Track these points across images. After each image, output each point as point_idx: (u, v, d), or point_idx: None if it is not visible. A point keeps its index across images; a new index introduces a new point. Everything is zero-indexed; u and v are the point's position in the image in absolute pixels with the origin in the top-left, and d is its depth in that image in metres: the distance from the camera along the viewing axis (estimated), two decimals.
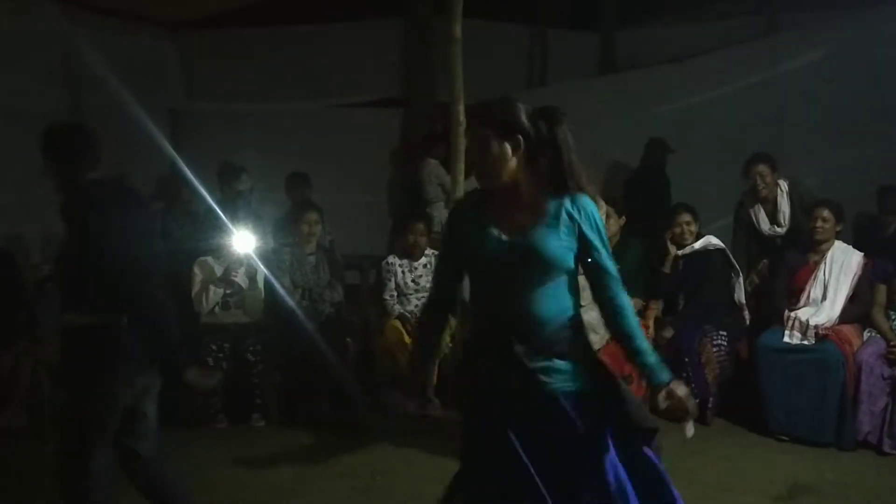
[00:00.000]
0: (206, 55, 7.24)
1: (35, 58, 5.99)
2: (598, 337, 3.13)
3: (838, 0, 6.42)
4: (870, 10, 6.10)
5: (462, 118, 4.43)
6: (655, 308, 4.95)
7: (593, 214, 2.11)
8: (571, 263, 2.11)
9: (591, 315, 2.32)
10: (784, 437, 4.32)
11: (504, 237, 2.08)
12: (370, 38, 7.33)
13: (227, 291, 4.74)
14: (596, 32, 7.83)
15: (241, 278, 4.72)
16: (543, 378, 2.06)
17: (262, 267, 4.76)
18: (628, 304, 2.18)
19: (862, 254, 4.49)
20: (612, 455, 2.06)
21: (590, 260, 2.12)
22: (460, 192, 4.42)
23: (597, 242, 2.11)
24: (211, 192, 4.99)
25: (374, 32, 7.36)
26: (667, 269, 4.96)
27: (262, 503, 3.60)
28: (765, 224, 5.00)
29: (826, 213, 4.51)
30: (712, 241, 4.84)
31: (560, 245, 2.07)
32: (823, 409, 4.22)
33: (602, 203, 5.07)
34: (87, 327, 2.70)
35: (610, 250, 2.15)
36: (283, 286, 4.77)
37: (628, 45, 7.68)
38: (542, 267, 2.07)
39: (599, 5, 7.79)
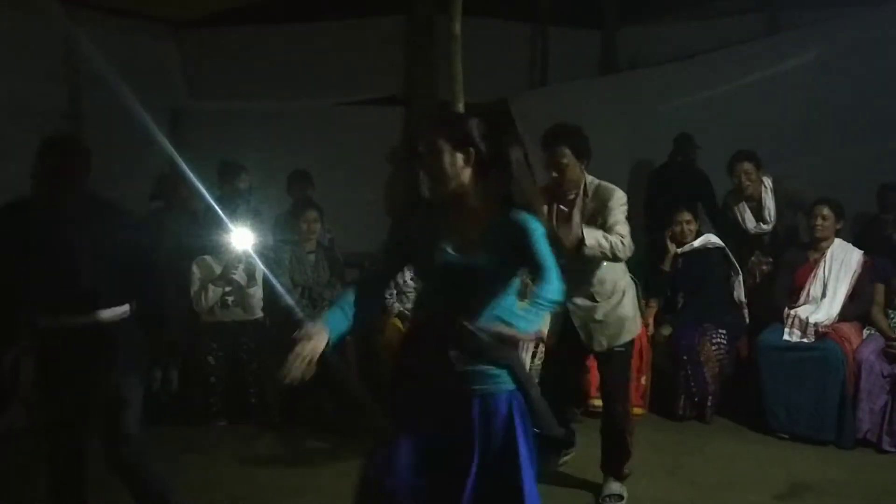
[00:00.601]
0: (208, 53, 7.22)
1: (35, 56, 5.99)
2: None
3: None
4: (871, 10, 6.08)
5: None
6: (655, 306, 4.95)
7: (535, 230, 2.18)
8: (511, 277, 2.23)
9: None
10: (784, 436, 4.33)
11: (450, 250, 2.19)
12: (371, 36, 7.31)
13: (227, 290, 4.75)
14: (597, 31, 7.81)
15: (240, 276, 4.73)
16: (468, 383, 2.19)
17: (261, 265, 4.77)
18: (549, 293, 2.18)
19: (862, 251, 4.49)
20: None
21: (532, 269, 2.22)
22: None
23: (537, 255, 2.18)
24: (210, 191, 4.99)
25: (375, 30, 7.34)
26: (666, 267, 4.96)
27: (263, 502, 3.60)
28: (750, 222, 5.01)
29: (826, 210, 4.51)
30: (712, 239, 4.85)
31: (501, 261, 2.18)
32: (823, 407, 4.23)
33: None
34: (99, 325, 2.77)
35: (552, 256, 2.22)
36: (282, 285, 4.77)
37: (630, 44, 7.66)
38: (483, 280, 2.17)
39: (601, 4, 7.78)
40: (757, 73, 6.43)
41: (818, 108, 6.09)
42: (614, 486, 3.60)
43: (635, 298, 3.63)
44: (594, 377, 4.71)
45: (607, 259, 3.32)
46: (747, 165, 4.91)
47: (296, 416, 4.72)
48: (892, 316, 4.38)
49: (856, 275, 4.44)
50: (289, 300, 4.70)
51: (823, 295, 4.45)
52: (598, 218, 3.34)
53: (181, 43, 7.22)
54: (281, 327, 4.75)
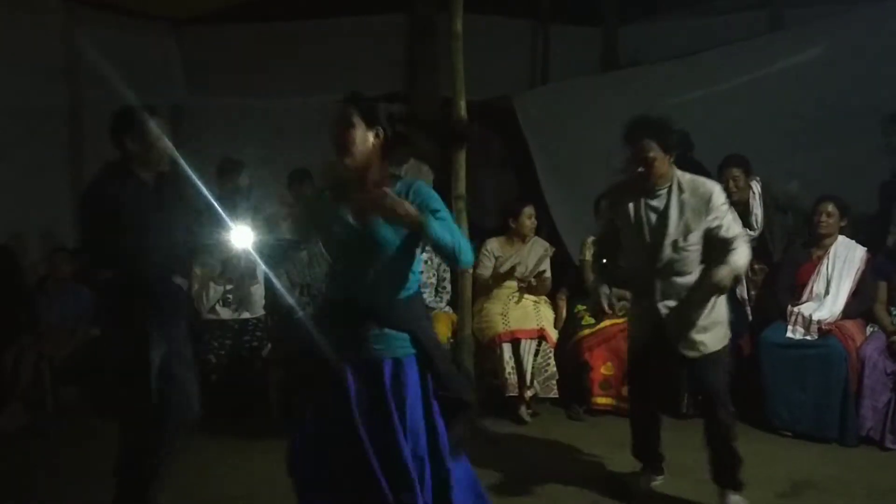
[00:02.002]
0: (209, 51, 7.22)
1: (36, 54, 5.99)
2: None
3: None
4: (873, 6, 6.06)
5: (463, 113, 4.43)
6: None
7: (427, 192, 2.42)
8: (410, 245, 2.40)
9: None
10: (787, 433, 4.32)
11: (351, 221, 2.37)
12: (373, 33, 7.31)
13: (227, 288, 4.74)
14: (599, 28, 7.80)
15: (240, 274, 4.72)
16: (376, 346, 2.39)
17: (261, 263, 4.75)
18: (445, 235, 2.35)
19: (865, 248, 4.48)
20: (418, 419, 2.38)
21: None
22: (461, 188, 4.42)
23: (438, 209, 2.39)
24: (210, 188, 4.96)
25: (376, 28, 7.34)
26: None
27: (264, 499, 3.59)
28: None
29: (830, 207, 4.50)
30: None
31: (397, 229, 2.34)
32: (826, 404, 4.22)
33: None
34: None
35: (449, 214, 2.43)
36: (280, 283, 4.76)
37: (631, 42, 7.65)
38: (381, 247, 2.36)
39: (602, 1, 7.77)
40: (759, 71, 6.40)
41: (820, 106, 6.07)
42: (735, 500, 3.35)
43: (726, 303, 3.43)
44: (597, 375, 4.72)
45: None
46: (735, 171, 4.88)
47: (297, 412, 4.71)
48: (894, 313, 4.37)
49: (859, 272, 4.43)
50: (288, 298, 4.69)
51: (826, 292, 4.44)
52: (700, 217, 3.18)
53: (182, 40, 7.23)
54: (282, 325, 4.75)
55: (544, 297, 5.03)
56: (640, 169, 3.21)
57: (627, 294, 4.85)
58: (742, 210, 4.95)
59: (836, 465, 3.93)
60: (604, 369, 4.73)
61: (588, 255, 5.09)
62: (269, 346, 4.75)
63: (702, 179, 3.30)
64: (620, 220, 3.39)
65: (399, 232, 2.35)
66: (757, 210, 4.90)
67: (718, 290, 3.10)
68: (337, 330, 2.41)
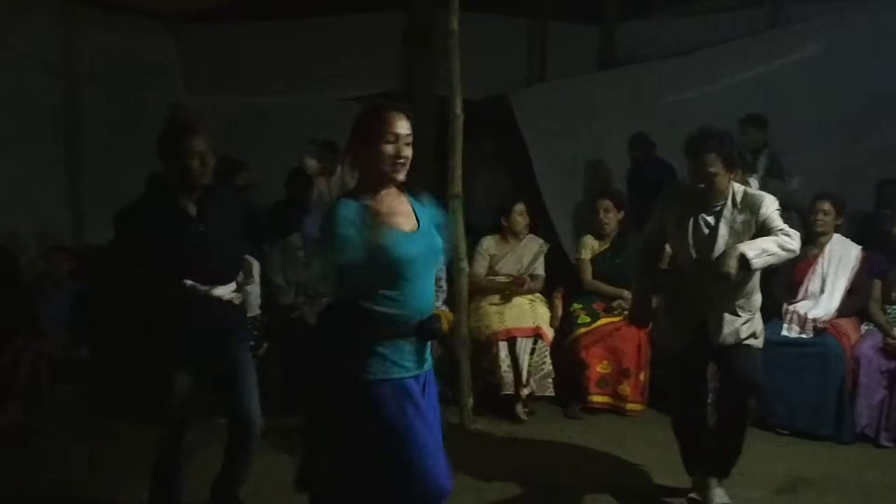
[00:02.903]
0: (205, 49, 7.21)
1: (33, 52, 5.99)
2: None
3: None
4: (872, 3, 6.06)
5: (459, 111, 4.43)
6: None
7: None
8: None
9: None
10: (783, 431, 4.33)
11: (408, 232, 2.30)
12: (370, 31, 7.29)
13: None
14: (596, 26, 7.79)
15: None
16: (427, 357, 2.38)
17: (256, 263, 4.75)
18: None
19: (860, 247, 4.48)
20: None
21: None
22: (457, 186, 4.42)
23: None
24: None
25: (373, 26, 7.33)
26: (665, 264, 4.93)
27: (262, 498, 3.59)
28: None
29: (827, 205, 4.50)
30: None
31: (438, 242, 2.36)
32: (822, 402, 4.23)
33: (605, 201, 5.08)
34: None
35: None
36: (276, 284, 4.77)
37: (629, 39, 7.64)
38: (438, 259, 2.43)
39: None
40: (757, 68, 6.40)
41: (818, 104, 6.07)
42: (719, 493, 3.37)
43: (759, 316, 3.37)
44: (593, 374, 4.73)
45: (779, 260, 3.10)
46: None
47: (295, 411, 4.71)
48: (889, 311, 4.37)
49: (854, 270, 4.43)
50: (285, 299, 4.69)
51: (822, 290, 4.45)
52: (749, 231, 3.12)
53: (179, 38, 7.22)
54: (279, 325, 4.76)
55: (540, 296, 5.03)
56: (700, 185, 3.15)
57: (625, 293, 4.89)
58: None
59: (832, 462, 3.95)
60: (600, 368, 4.73)
61: (584, 254, 5.10)
62: (266, 345, 4.75)
63: (758, 194, 3.22)
64: (671, 227, 3.33)
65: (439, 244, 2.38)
66: None
67: (722, 276, 2.99)
68: (409, 346, 2.31)
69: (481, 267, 5.00)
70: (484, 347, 4.74)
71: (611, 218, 5.05)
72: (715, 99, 6.43)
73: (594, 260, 5.07)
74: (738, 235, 3.13)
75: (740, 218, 3.15)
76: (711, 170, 3.10)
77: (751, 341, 3.25)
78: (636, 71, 7.03)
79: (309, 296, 4.89)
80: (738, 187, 3.22)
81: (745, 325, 3.23)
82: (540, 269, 5.06)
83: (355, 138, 2.31)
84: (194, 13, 6.97)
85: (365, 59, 7.13)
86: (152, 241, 2.97)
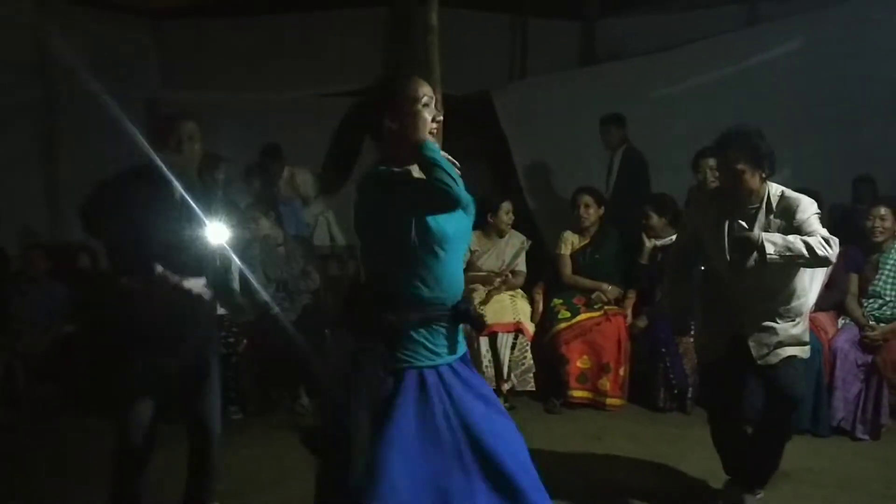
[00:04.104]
0: (184, 45, 7.17)
1: (9, 48, 5.92)
2: None
3: None
4: (849, 2, 6.12)
5: (439, 107, 4.41)
6: (633, 297, 4.97)
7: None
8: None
9: None
10: None
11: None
12: (351, 27, 7.28)
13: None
14: (577, 22, 7.81)
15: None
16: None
17: (236, 259, 4.72)
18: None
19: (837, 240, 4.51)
20: None
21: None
22: None
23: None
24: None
25: (354, 22, 7.31)
26: (644, 260, 4.97)
27: (241, 495, 3.58)
28: None
29: None
30: None
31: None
32: None
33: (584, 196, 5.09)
34: None
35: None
36: (256, 281, 4.74)
37: (610, 35, 7.66)
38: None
39: None
40: (737, 65, 6.45)
41: (797, 100, 6.12)
42: (751, 500, 3.30)
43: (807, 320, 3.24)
44: (574, 369, 4.74)
45: (804, 263, 2.95)
46: (711, 162, 4.90)
47: (274, 409, 4.70)
48: (866, 305, 4.42)
49: (832, 265, 4.46)
50: (264, 295, 4.67)
51: None
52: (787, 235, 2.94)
53: (157, 34, 7.16)
54: (258, 321, 4.73)
55: (521, 291, 5.04)
56: (727, 183, 3.01)
57: (604, 286, 4.91)
58: None
59: (809, 455, 3.97)
60: (580, 363, 4.75)
61: (564, 250, 5.11)
62: (245, 342, 4.73)
63: (795, 196, 3.02)
64: (704, 232, 3.19)
65: None
66: None
67: (742, 241, 2.89)
68: (448, 329, 2.19)
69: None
70: (465, 342, 4.74)
71: (590, 213, 5.07)
72: (694, 95, 6.47)
73: (574, 255, 5.08)
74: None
75: (776, 223, 2.99)
76: (739, 166, 2.95)
77: (794, 350, 3.10)
78: (617, 67, 7.06)
79: (289, 292, 4.87)
80: (774, 189, 3.03)
81: (786, 337, 3.07)
82: (521, 265, 5.07)
83: (389, 108, 2.14)
84: (173, 9, 6.93)
85: (346, 54, 7.10)
86: (129, 216, 2.84)
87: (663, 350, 4.60)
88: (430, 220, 2.08)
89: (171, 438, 3.18)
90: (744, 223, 2.98)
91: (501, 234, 5.09)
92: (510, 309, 4.82)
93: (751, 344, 3.07)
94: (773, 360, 3.08)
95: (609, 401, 4.71)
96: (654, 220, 4.89)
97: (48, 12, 6.18)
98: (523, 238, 5.16)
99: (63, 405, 4.82)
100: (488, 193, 5.38)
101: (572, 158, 6.86)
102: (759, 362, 3.08)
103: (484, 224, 5.08)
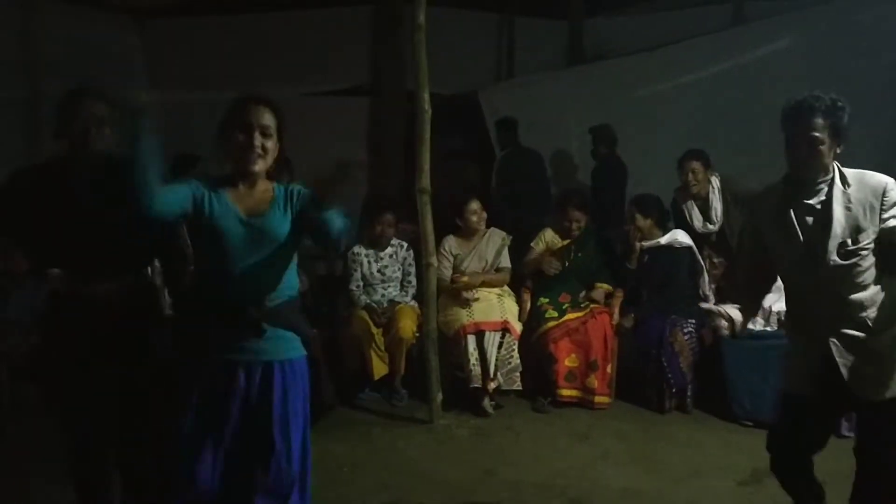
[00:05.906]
0: (171, 44, 7.12)
1: None
2: None
3: None
4: (835, 1, 6.16)
5: (427, 106, 4.41)
6: (621, 295, 4.98)
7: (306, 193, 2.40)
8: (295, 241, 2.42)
9: None
10: (748, 423, 4.37)
11: (243, 215, 2.34)
12: (339, 25, 7.26)
13: None
14: (564, 21, 7.82)
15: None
16: (265, 344, 2.35)
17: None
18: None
19: None
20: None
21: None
22: (425, 181, 4.41)
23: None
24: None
25: (342, 21, 7.30)
26: (632, 262, 4.97)
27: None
28: (697, 221, 5.02)
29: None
30: (679, 237, 4.85)
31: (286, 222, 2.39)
32: None
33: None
34: None
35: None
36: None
37: (596, 35, 7.69)
38: (271, 243, 2.37)
39: None
40: (723, 64, 6.47)
41: (783, 99, 6.14)
42: None
43: None
44: (561, 367, 4.74)
45: None
46: (695, 164, 4.93)
47: None
48: None
49: None
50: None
51: None
52: (873, 213, 2.49)
53: (144, 33, 7.12)
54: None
55: (508, 290, 5.04)
56: (803, 156, 2.53)
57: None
58: (702, 204, 5.02)
59: None
60: (568, 361, 4.75)
61: (538, 246, 5.12)
62: None
63: (872, 174, 2.57)
64: (768, 233, 2.69)
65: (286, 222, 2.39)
66: (716, 204, 4.96)
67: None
68: (231, 330, 2.34)
69: (446, 269, 4.95)
70: (453, 341, 4.74)
71: (580, 225, 5.07)
72: (682, 95, 6.50)
73: (556, 254, 5.08)
74: (857, 216, 2.50)
75: (858, 196, 2.51)
76: (817, 134, 2.50)
77: None
78: (604, 67, 7.08)
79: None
80: (838, 167, 2.59)
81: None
82: (505, 261, 5.06)
83: (219, 128, 2.41)
84: (160, 7, 6.89)
85: (333, 53, 7.09)
86: (27, 214, 2.57)
87: (656, 350, 4.59)
88: (214, 219, 2.35)
89: None
90: (814, 202, 2.55)
91: (478, 235, 5.06)
92: (497, 307, 4.81)
93: (840, 362, 2.54)
94: (873, 396, 2.51)
95: (597, 399, 4.71)
96: (640, 220, 4.90)
97: (35, 10, 6.13)
98: (503, 234, 5.13)
99: (47, 406, 4.76)
100: (457, 194, 5.31)
101: (557, 157, 6.88)
102: (854, 394, 2.53)
103: (454, 228, 5.05)
